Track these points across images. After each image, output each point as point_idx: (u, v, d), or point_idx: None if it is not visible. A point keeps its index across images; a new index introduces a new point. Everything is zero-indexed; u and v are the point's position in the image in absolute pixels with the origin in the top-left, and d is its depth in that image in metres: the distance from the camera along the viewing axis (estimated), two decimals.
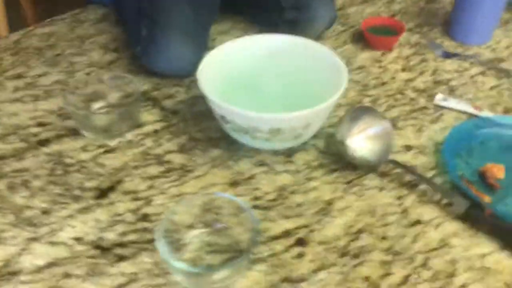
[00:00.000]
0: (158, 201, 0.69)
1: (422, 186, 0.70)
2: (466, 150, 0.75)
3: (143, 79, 0.92)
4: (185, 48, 0.88)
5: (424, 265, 0.61)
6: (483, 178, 0.70)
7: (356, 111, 0.74)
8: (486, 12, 0.98)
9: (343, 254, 0.62)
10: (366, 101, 0.87)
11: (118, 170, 0.74)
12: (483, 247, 0.63)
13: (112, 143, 0.78)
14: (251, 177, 0.72)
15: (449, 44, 1.02)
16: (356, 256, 0.62)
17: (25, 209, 0.67)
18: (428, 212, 0.67)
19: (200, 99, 0.83)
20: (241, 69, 0.81)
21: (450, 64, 0.96)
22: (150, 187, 0.71)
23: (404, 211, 0.67)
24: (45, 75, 0.92)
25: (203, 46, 0.93)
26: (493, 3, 0.97)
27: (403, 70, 0.95)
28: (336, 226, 0.65)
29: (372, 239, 0.64)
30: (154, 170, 0.74)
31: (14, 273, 0.60)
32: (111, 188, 0.71)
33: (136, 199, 0.69)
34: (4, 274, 0.60)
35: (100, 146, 0.78)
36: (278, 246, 0.63)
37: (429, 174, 0.72)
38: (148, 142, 0.78)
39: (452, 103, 0.85)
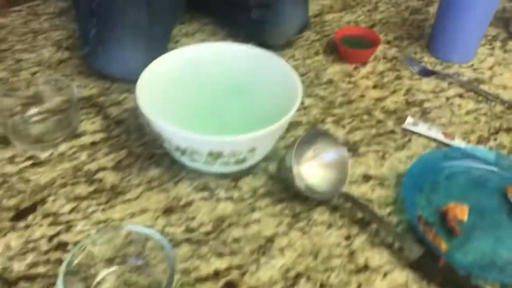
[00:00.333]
0: (79, 227, 0.61)
1: (375, 225, 0.63)
2: (430, 184, 0.68)
3: (93, 81, 0.85)
4: (137, 50, 0.80)
5: None
6: (444, 219, 0.63)
7: (310, 135, 0.67)
8: (469, 28, 0.90)
9: None
10: (329, 121, 0.79)
11: (42, 187, 0.66)
12: None
13: (43, 155, 0.71)
14: (189, 204, 0.65)
15: (428, 61, 0.94)
16: None
17: None
18: (377, 257, 0.59)
19: None
20: (187, 81, 0.73)
21: (426, 83, 0.89)
22: (74, 210, 0.64)
23: (352, 254, 0.60)
24: None
25: (161, 48, 0.85)
26: (478, 18, 0.89)
27: (375, 87, 0.87)
28: (273, 268, 0.58)
29: (310, 286, 0.56)
30: (82, 189, 0.66)
31: None
32: (30, 209, 0.64)
33: (56, 223, 0.62)
34: None
35: (29, 158, 0.70)
36: None
37: (386, 210, 0.65)
38: (83, 156, 0.71)
39: (423, 128, 0.77)
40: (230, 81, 0.75)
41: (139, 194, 0.66)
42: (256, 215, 0.64)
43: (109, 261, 0.56)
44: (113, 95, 0.82)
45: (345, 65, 0.92)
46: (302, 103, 0.82)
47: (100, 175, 0.68)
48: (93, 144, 0.73)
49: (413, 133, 0.77)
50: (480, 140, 0.77)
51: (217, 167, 0.65)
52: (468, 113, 0.82)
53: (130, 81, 0.83)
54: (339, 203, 0.65)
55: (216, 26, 1.01)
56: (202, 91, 0.74)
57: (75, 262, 0.52)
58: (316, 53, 0.95)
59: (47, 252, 0.59)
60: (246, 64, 0.73)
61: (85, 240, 0.53)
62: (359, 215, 0.64)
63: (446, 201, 0.65)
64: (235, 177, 0.69)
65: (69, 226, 0.61)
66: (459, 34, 0.91)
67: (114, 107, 0.80)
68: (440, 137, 0.76)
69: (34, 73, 0.87)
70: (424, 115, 0.81)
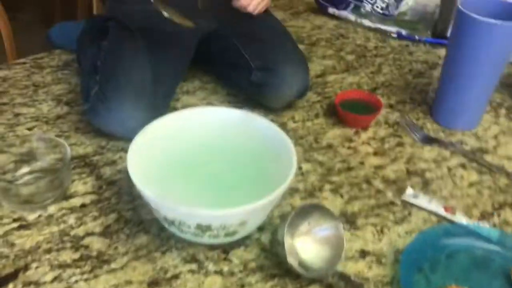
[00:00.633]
0: None
1: None
2: (429, 263, 0.65)
3: (89, 139, 0.84)
4: (138, 110, 0.80)
5: None
6: None
7: (304, 208, 0.64)
8: (473, 96, 0.89)
9: None
10: (327, 188, 0.77)
11: (27, 252, 0.64)
12: None
13: (31, 216, 0.69)
14: (175, 277, 0.62)
15: (431, 128, 0.93)
16: None
17: None
18: None
19: None
20: (181, 147, 0.72)
21: (428, 152, 0.87)
22: (56, 279, 0.61)
23: None
24: None
25: (163, 107, 0.85)
26: (482, 86, 0.88)
27: (375, 154, 0.85)
28: None
29: None
30: (67, 256, 0.64)
31: None
32: (12, 276, 0.61)
33: None
34: None
35: (15, 220, 0.69)
36: None
37: None
38: (71, 219, 0.69)
39: (423, 201, 0.75)
40: (225, 145, 0.73)
41: (125, 263, 0.64)
42: None
43: None
44: (108, 154, 0.81)
45: (345, 128, 0.90)
46: (299, 168, 0.81)
47: (87, 240, 0.66)
48: (83, 206, 0.71)
49: (413, 205, 0.75)
50: (483, 216, 0.74)
51: (206, 239, 0.62)
52: (471, 185, 0.80)
53: (128, 139, 0.82)
54: (333, 282, 0.62)
55: (217, 84, 1.01)
56: (197, 156, 0.73)
57: None
58: (317, 116, 0.94)
59: None
60: (242, 129, 0.72)
61: None
62: None
63: (445, 282, 0.62)
64: (226, 249, 0.66)
65: None
66: (463, 102, 0.89)
67: (107, 167, 0.79)
68: (441, 211, 0.73)
69: (30, 128, 0.86)
70: (426, 185, 0.79)
